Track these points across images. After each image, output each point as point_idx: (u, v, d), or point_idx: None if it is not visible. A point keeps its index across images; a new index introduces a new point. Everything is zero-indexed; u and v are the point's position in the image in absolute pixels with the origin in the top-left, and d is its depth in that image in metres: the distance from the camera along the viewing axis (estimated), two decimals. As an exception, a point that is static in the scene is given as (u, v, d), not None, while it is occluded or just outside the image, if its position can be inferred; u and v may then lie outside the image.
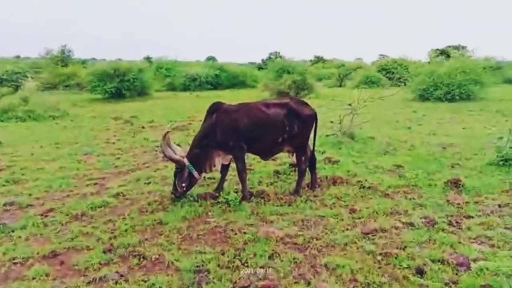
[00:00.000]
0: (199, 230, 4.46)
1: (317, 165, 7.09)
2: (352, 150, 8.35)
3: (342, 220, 4.69)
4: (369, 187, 5.83)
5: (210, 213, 4.96)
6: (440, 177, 6.28)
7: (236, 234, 4.32)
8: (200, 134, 5.38)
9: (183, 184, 5.19)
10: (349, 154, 8.02)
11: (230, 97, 19.62)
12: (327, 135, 9.80)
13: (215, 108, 5.40)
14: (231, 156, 5.46)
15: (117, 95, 21.38)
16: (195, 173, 5.26)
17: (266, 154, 5.74)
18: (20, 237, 4.35)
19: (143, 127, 12.32)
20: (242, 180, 5.42)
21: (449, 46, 34.14)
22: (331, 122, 10.89)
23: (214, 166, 5.44)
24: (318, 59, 52.07)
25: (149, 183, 6.33)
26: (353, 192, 5.67)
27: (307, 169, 5.84)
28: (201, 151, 5.28)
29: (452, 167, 6.95)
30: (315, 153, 6.48)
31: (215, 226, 4.52)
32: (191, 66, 32.10)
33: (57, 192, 5.89)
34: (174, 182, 5.24)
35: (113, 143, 9.99)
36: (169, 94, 25.41)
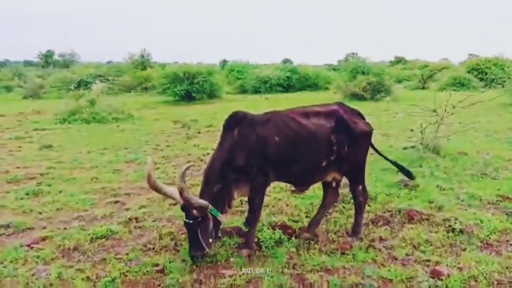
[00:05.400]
0: (207, 289, 3.20)
1: (389, 191, 5.55)
2: (437, 169, 6.55)
3: (420, 291, 3.13)
4: (461, 231, 4.13)
5: (232, 259, 3.70)
6: None
7: (254, 303, 2.99)
8: (219, 159, 3.72)
9: (210, 240, 3.58)
10: (433, 175, 6.25)
11: (299, 100, 18.43)
12: (404, 148, 8.06)
13: (237, 120, 3.83)
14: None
15: (187, 98, 21.32)
16: (220, 217, 3.70)
17: (303, 183, 4.13)
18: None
19: (199, 132, 11.62)
20: (253, 221, 3.84)
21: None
22: (411, 130, 9.08)
23: (234, 199, 3.94)
24: (399, 60, 48.38)
25: (175, 204, 5.26)
26: (437, 238, 4.02)
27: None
28: (222, 185, 3.69)
29: None
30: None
31: (230, 285, 3.23)
32: (263, 68, 31.32)
33: (68, 212, 5.03)
34: (193, 241, 3.51)
35: (161, 150, 9.30)
36: (238, 97, 24.81)
